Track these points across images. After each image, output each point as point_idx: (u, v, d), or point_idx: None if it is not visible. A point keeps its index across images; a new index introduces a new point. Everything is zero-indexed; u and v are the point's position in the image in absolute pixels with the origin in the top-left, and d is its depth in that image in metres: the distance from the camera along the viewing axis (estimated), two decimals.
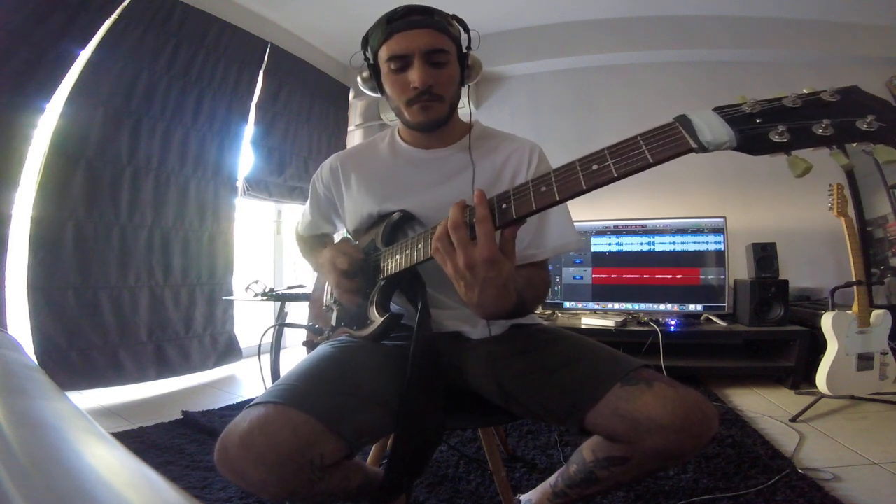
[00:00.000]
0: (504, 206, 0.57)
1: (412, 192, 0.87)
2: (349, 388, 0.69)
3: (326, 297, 1.01)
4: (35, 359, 1.71)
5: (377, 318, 0.78)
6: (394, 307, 0.87)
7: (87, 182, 1.93)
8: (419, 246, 0.70)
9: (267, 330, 1.28)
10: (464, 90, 0.88)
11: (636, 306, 2.32)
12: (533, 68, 3.04)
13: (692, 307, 2.24)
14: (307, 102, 3.01)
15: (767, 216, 2.60)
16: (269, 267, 3.08)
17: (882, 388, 1.63)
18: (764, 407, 1.78)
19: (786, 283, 2.11)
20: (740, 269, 2.25)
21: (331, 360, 0.75)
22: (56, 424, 0.39)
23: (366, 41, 0.85)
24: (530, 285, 0.73)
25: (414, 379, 0.70)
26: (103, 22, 1.92)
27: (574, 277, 2.42)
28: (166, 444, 1.45)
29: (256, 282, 1.89)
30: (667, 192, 2.68)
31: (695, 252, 2.26)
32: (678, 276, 2.27)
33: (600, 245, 2.38)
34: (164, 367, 2.15)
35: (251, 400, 0.65)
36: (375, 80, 0.86)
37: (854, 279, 1.63)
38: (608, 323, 2.19)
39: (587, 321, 2.28)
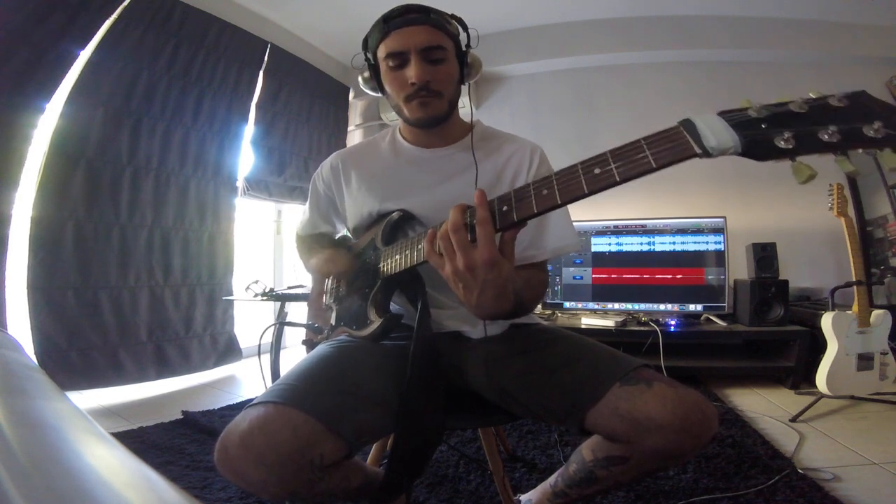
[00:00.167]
0: (505, 208, 0.57)
1: (413, 191, 0.87)
2: (349, 388, 0.69)
3: (326, 297, 1.01)
4: (35, 359, 1.71)
5: (376, 319, 0.78)
6: (393, 307, 0.87)
7: (87, 182, 1.93)
8: (419, 246, 0.70)
9: (266, 329, 1.28)
10: (464, 88, 0.89)
11: (636, 306, 2.31)
12: (533, 68, 3.04)
13: (692, 307, 2.24)
14: (307, 102, 3.01)
15: (767, 216, 2.60)
16: (269, 267, 3.08)
17: (882, 388, 1.63)
18: (764, 407, 1.78)
19: (786, 283, 2.11)
20: (740, 269, 2.25)
21: (331, 359, 0.75)
22: (56, 424, 0.39)
23: (366, 42, 0.86)
24: (528, 286, 0.73)
25: (414, 379, 0.70)
26: (103, 22, 1.92)
27: (574, 277, 2.42)
28: (166, 444, 1.45)
29: (256, 282, 1.89)
30: (667, 192, 2.68)
31: (695, 252, 2.26)
32: (678, 276, 2.27)
33: (600, 245, 2.38)
34: (164, 367, 2.15)
35: (251, 400, 0.65)
36: (376, 80, 0.87)
37: (854, 279, 1.63)
38: (608, 323, 2.19)
39: (587, 321, 2.28)
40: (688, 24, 2.72)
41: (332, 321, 0.94)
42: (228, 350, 2.46)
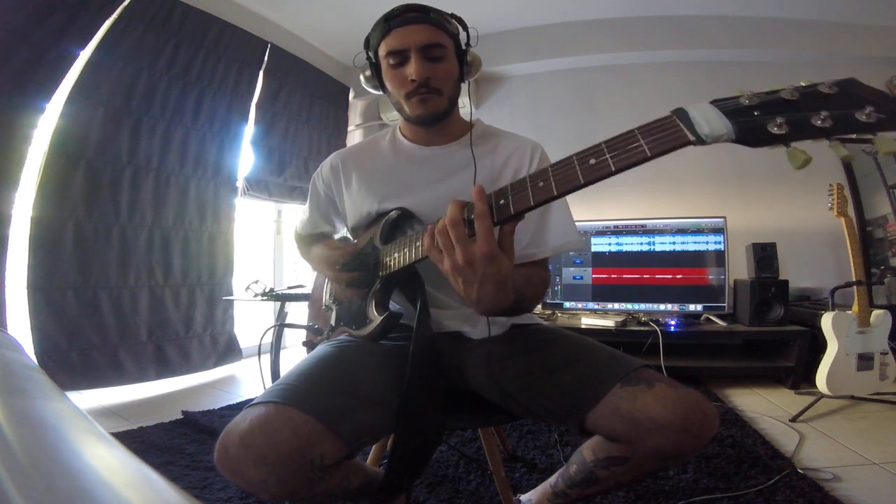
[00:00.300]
0: (502, 201, 0.57)
1: (412, 189, 0.87)
2: (349, 388, 0.69)
3: (326, 297, 1.01)
4: (35, 359, 1.71)
5: (376, 318, 0.78)
6: (393, 306, 0.87)
7: (87, 182, 1.93)
8: (418, 244, 0.70)
9: (267, 330, 1.28)
10: (464, 87, 0.89)
11: (636, 306, 2.31)
12: (533, 68, 3.04)
13: (692, 307, 2.24)
14: (307, 102, 3.01)
15: (767, 216, 2.60)
16: (269, 267, 3.08)
17: (882, 388, 1.63)
18: (764, 407, 1.78)
19: (786, 283, 2.11)
20: (740, 269, 2.25)
21: (330, 359, 0.75)
22: (56, 424, 0.39)
23: (367, 41, 0.87)
24: (529, 283, 0.73)
25: (414, 379, 0.70)
26: (103, 22, 1.92)
27: (574, 277, 2.42)
28: (166, 444, 1.45)
29: (256, 282, 1.89)
30: (667, 191, 2.68)
31: (695, 252, 2.26)
32: (678, 276, 2.27)
33: (600, 245, 2.38)
34: (164, 367, 2.15)
35: (251, 400, 0.65)
36: (377, 78, 0.88)
37: (854, 279, 1.63)
38: (608, 323, 2.19)
39: (587, 321, 2.28)
40: (688, 24, 2.72)
41: (332, 321, 0.94)
42: (228, 350, 2.46)
